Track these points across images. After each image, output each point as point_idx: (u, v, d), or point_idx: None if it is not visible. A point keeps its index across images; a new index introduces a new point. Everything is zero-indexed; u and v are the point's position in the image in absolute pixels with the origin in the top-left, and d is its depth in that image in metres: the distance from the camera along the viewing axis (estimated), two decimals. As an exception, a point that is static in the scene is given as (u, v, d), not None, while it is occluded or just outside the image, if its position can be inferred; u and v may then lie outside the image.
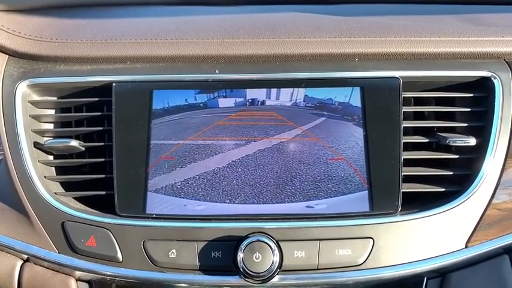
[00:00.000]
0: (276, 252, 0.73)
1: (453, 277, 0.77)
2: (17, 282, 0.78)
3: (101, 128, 0.82)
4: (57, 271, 0.78)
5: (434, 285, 0.78)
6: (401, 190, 0.77)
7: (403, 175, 0.78)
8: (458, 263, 0.77)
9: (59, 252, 0.77)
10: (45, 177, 0.80)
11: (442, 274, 0.78)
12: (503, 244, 0.77)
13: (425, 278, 0.77)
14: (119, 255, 0.76)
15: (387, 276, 0.75)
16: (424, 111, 0.84)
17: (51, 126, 0.84)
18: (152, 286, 0.77)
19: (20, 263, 0.79)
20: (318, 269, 0.75)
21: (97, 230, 0.77)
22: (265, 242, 0.73)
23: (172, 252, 0.75)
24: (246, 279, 0.74)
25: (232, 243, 0.75)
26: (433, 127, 0.82)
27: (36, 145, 0.81)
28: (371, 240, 0.75)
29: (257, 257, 0.72)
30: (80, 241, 0.76)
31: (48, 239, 0.77)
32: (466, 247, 0.77)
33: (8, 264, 0.79)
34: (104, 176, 0.80)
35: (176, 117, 0.79)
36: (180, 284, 0.76)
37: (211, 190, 0.77)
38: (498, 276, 0.77)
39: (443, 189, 0.79)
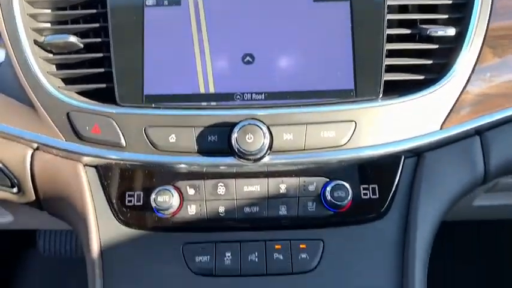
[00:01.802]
0: (267, 135, 0.80)
1: (428, 156, 0.85)
2: (29, 169, 0.85)
3: (98, 25, 0.85)
4: (65, 158, 0.85)
5: (410, 163, 0.85)
6: (384, 78, 0.83)
7: (386, 65, 0.84)
8: (433, 143, 0.84)
9: (66, 140, 0.83)
10: (47, 72, 0.84)
11: (417, 154, 0.85)
12: (474, 126, 0.84)
13: (403, 157, 0.85)
14: (122, 141, 0.82)
15: (367, 155, 0.83)
16: (408, 5, 0.88)
17: (48, 25, 0.88)
18: (154, 168, 0.84)
19: (30, 151, 0.85)
20: (304, 149, 0.82)
21: (100, 118, 0.82)
22: (256, 125, 0.79)
23: (172, 137, 0.82)
24: (240, 159, 0.81)
25: (226, 128, 0.81)
26: (416, 20, 0.87)
27: (36, 43, 0.85)
28: (353, 123, 0.82)
29: (249, 137, 0.79)
30: (84, 129, 0.82)
31: (55, 129, 0.83)
32: (440, 129, 0.84)
33: (20, 153, 0.85)
34: (103, 70, 0.85)
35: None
36: (180, 166, 0.83)
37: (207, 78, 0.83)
38: (469, 155, 0.85)
39: (422, 77, 0.84)
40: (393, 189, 0.84)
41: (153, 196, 0.81)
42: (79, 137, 0.83)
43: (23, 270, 1.73)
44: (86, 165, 0.86)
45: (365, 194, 0.84)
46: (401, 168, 0.85)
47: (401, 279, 0.81)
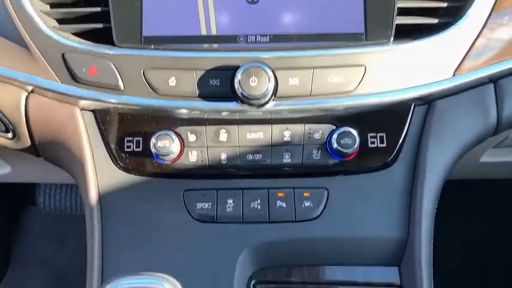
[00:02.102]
0: (272, 79, 0.76)
1: (438, 104, 0.81)
2: (24, 113, 0.82)
3: None
4: (61, 101, 0.82)
5: (420, 112, 0.82)
6: (395, 22, 0.79)
7: (398, 7, 0.79)
8: (444, 91, 0.80)
9: (62, 83, 0.80)
10: (41, 11, 0.80)
11: (428, 102, 0.82)
12: (489, 73, 0.80)
13: (413, 105, 0.82)
14: (120, 83, 0.79)
15: (376, 102, 0.79)
16: None
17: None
18: (154, 113, 0.81)
19: (25, 94, 0.82)
20: (310, 95, 0.78)
21: (97, 60, 0.79)
22: (261, 68, 0.76)
23: (172, 80, 0.78)
24: (243, 104, 0.78)
25: (229, 71, 0.77)
26: None
27: None
28: (363, 67, 0.78)
29: (253, 81, 0.75)
30: (81, 70, 0.79)
31: (50, 71, 0.79)
32: (453, 76, 0.80)
33: (14, 96, 0.82)
34: (100, 9, 0.80)
35: None
36: (181, 110, 0.80)
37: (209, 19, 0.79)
38: (481, 104, 0.81)
39: (435, 21, 0.80)
40: (401, 138, 0.81)
41: (152, 141, 0.78)
42: (75, 79, 0.79)
43: (23, 227, 1.72)
44: (82, 109, 0.83)
45: (372, 143, 0.81)
46: (411, 117, 0.82)
47: (407, 230, 0.79)
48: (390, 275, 0.80)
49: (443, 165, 0.81)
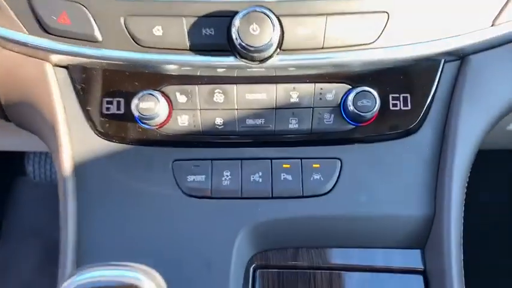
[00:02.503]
0: (277, 27, 0.63)
1: (474, 60, 0.69)
2: None
3: None
4: (30, 56, 0.70)
5: (451, 69, 0.70)
6: None
7: None
8: (481, 44, 0.68)
9: (29, 33, 0.68)
10: None
11: (461, 57, 0.70)
12: None
13: (443, 60, 0.69)
14: (97, 33, 0.66)
15: (400, 57, 0.67)
16: None
17: None
18: (137, 69, 0.69)
19: (-14, 47, 0.70)
20: (323, 48, 0.66)
21: (69, 5, 0.66)
22: (263, 13, 0.63)
23: (158, 29, 0.66)
24: (242, 58, 0.66)
25: (226, 18, 0.65)
26: None
27: None
28: (385, 14, 0.65)
29: (254, 28, 0.63)
30: (50, 18, 0.67)
31: (15, 19, 0.67)
32: (492, 25, 0.68)
33: (-26, 49, 0.70)
34: None
35: None
36: (168, 66, 0.68)
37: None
38: None
39: None
40: (429, 100, 0.69)
41: (135, 102, 0.66)
42: (44, 29, 0.68)
43: (14, 197, 1.64)
44: (55, 65, 0.71)
45: (394, 105, 0.69)
46: (440, 74, 0.69)
47: (433, 207, 0.68)
48: (412, 258, 0.69)
49: (476, 132, 0.69)
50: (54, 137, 0.70)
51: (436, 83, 0.69)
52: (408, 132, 0.69)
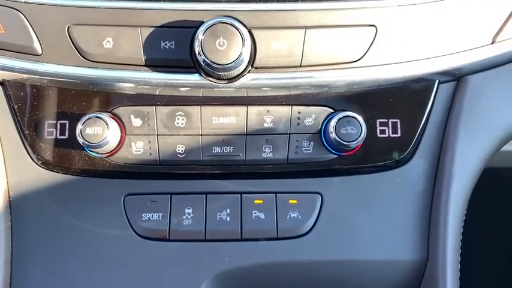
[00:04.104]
0: (248, 41, 0.54)
1: (472, 80, 0.61)
2: None
3: None
4: None
5: (446, 90, 0.62)
6: None
7: None
8: (480, 62, 0.60)
9: None
10: None
11: (457, 77, 0.62)
12: None
13: (437, 81, 0.61)
14: (37, 44, 0.56)
15: (389, 77, 0.59)
16: None
17: None
18: (83, 87, 0.59)
19: None
20: (301, 66, 0.57)
21: (3, 10, 0.56)
22: (231, 25, 0.54)
23: (108, 41, 0.56)
24: (208, 76, 0.57)
25: (188, 30, 0.56)
26: None
27: None
28: (373, 28, 0.57)
29: (221, 43, 0.53)
30: None
31: None
32: (492, 43, 0.60)
33: None
34: None
35: None
36: (121, 84, 0.58)
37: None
38: None
39: None
40: (421, 125, 0.61)
41: (79, 126, 0.56)
42: None
43: None
44: None
45: (382, 131, 0.60)
46: (434, 97, 0.61)
47: (426, 250, 0.60)
48: None
49: (475, 161, 0.61)
50: None
51: (429, 107, 0.61)
52: (398, 163, 0.61)
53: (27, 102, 0.60)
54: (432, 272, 0.58)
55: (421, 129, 0.61)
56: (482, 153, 0.61)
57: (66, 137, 0.59)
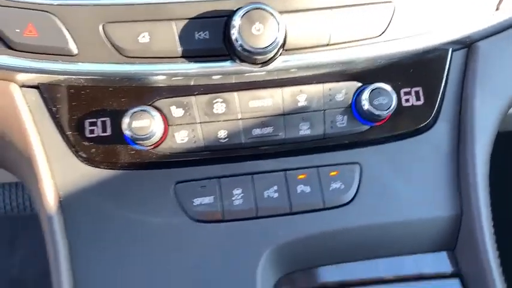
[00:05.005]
0: (283, 24, 0.57)
1: (481, 46, 0.66)
2: None
3: None
4: None
5: (459, 57, 0.66)
6: None
7: None
8: (487, 30, 0.65)
9: None
10: None
11: (468, 45, 0.66)
12: None
13: (451, 49, 0.66)
14: (72, 45, 0.57)
15: (409, 49, 0.63)
16: None
17: None
18: (122, 83, 0.60)
19: None
20: (328, 45, 0.60)
21: (36, 14, 0.57)
22: (266, 11, 0.56)
23: (144, 36, 0.58)
24: (242, 62, 0.59)
25: (221, 19, 0.58)
26: None
27: None
28: (392, 6, 0.61)
29: (258, 28, 0.56)
30: (14, 32, 0.57)
31: None
32: (496, 10, 0.65)
33: None
34: None
35: None
36: (159, 77, 0.60)
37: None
38: None
39: None
40: (441, 91, 0.65)
41: (126, 120, 0.57)
42: (8, 44, 0.57)
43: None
44: (23, 86, 0.61)
45: (407, 100, 0.64)
46: (450, 64, 0.66)
47: (460, 205, 0.64)
48: (444, 262, 0.65)
49: (493, 118, 0.66)
50: (31, 171, 0.60)
51: (446, 73, 0.65)
52: (424, 128, 0.65)
53: (65, 103, 0.61)
54: (468, 225, 0.63)
55: (441, 94, 0.65)
56: (498, 107, 0.66)
57: (109, 133, 0.60)
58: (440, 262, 0.65)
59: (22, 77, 0.60)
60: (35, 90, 0.61)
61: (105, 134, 0.61)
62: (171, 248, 0.60)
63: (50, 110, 0.61)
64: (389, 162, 0.64)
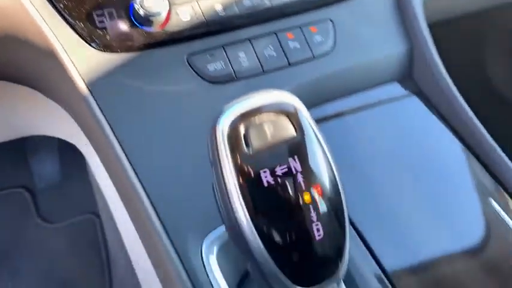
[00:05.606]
0: None
1: None
2: None
3: None
4: None
5: None
6: None
7: None
8: None
9: None
10: None
11: None
12: None
13: None
14: None
15: None
16: None
17: None
18: None
19: None
20: None
21: None
22: None
23: None
24: None
25: None
26: None
27: None
28: None
29: None
30: None
31: None
32: None
33: None
34: None
35: None
36: None
37: None
38: None
39: None
40: None
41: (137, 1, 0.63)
42: None
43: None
44: None
45: None
46: None
47: (408, 36, 0.79)
48: (404, 87, 0.81)
49: None
50: (54, 60, 0.63)
51: None
52: None
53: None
54: (420, 55, 0.78)
55: None
56: None
57: (118, 20, 0.66)
58: (401, 88, 0.80)
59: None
60: None
61: (113, 22, 0.66)
62: (195, 109, 0.68)
63: (55, 7, 0.64)
64: (353, 15, 0.77)
